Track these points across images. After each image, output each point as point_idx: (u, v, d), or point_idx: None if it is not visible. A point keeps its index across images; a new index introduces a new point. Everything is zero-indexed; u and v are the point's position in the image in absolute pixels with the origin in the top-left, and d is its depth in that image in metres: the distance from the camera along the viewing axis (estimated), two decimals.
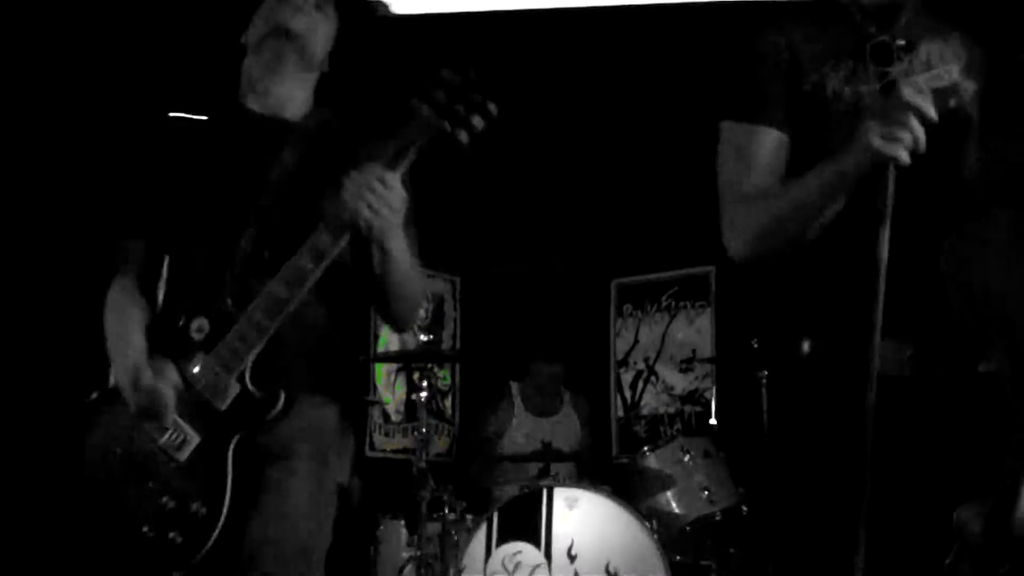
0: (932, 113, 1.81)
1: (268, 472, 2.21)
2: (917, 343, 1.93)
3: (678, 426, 6.12)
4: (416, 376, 5.85)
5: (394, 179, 2.14)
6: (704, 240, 2.10)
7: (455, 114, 2.13)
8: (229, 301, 2.24)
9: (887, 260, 1.82)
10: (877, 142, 1.81)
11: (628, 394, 6.39)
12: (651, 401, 6.31)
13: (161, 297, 2.40)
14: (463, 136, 2.14)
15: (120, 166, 2.46)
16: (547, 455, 4.98)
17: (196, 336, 2.25)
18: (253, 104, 2.40)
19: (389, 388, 6.17)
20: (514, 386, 5.62)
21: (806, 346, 2.03)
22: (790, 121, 2.03)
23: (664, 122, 5.16)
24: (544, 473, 4.82)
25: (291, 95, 2.40)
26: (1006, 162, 1.73)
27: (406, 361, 5.84)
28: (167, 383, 2.21)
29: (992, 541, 1.60)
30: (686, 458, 4.55)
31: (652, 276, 6.42)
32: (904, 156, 1.81)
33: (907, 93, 1.82)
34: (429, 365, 5.16)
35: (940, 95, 1.98)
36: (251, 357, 2.20)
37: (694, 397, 6.14)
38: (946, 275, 1.78)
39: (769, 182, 2.01)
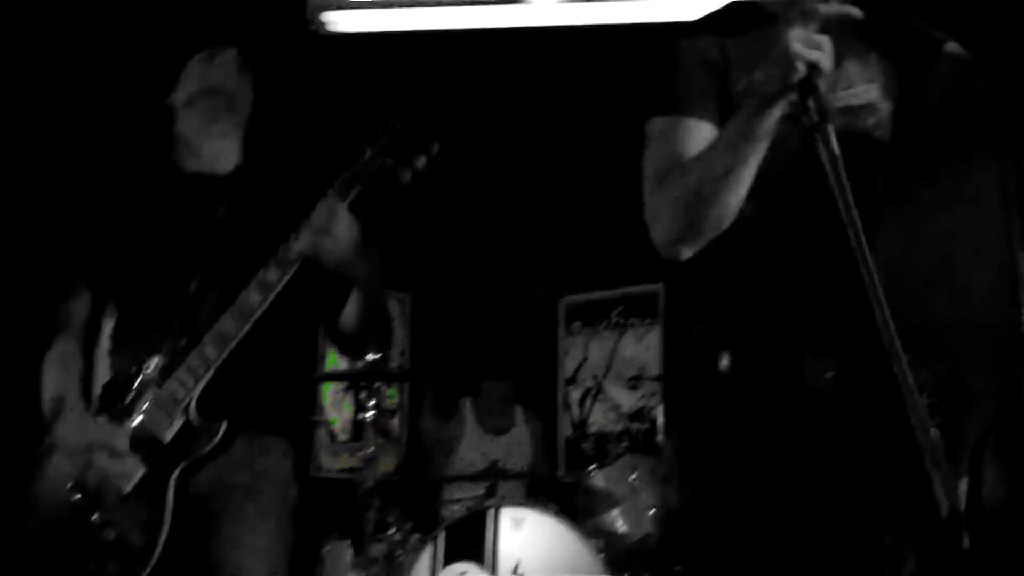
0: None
1: (221, 508, 2.38)
2: (840, 359, 1.92)
3: (626, 444, 6.11)
4: (363, 395, 5.80)
5: (343, 210, 2.35)
6: (653, 258, 2.06)
7: (399, 155, 2.40)
8: (182, 340, 2.40)
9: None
10: (797, 45, 1.77)
11: (576, 412, 6.38)
12: (599, 419, 6.30)
13: (109, 345, 2.55)
14: (406, 175, 2.40)
15: (68, 222, 2.65)
16: (494, 474, 4.95)
17: (150, 374, 2.41)
18: (188, 162, 2.58)
19: (336, 407, 6.12)
20: (466, 404, 5.59)
21: (725, 361, 2.01)
22: (721, 118, 1.99)
23: (617, 139, 5.16)
24: (491, 492, 4.79)
25: (224, 151, 2.58)
26: None
27: (353, 380, 5.80)
28: (102, 448, 2.36)
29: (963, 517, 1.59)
30: (633, 476, 4.54)
31: (601, 294, 6.42)
32: (826, 62, 1.77)
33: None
34: (376, 384, 5.13)
35: (860, 113, 2.00)
36: (197, 389, 2.35)
37: (642, 415, 6.14)
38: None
39: None
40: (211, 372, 2.35)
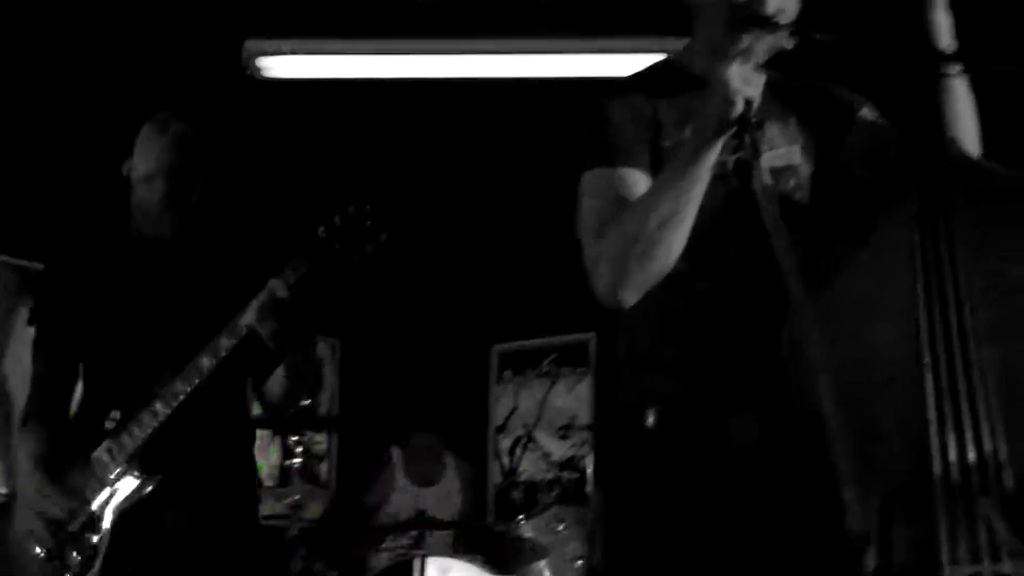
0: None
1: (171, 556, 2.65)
2: (765, 415, 1.93)
3: (556, 493, 6.10)
4: (290, 441, 5.74)
5: (286, 291, 2.53)
6: (585, 307, 2.06)
7: (349, 240, 2.59)
8: (140, 398, 2.65)
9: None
10: (736, 82, 1.81)
11: (506, 460, 6.36)
12: (529, 467, 6.29)
13: (80, 396, 2.85)
14: (354, 259, 2.61)
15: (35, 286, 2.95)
16: (422, 524, 4.92)
17: (108, 425, 2.68)
18: (145, 230, 2.78)
19: (263, 453, 6.04)
20: (396, 453, 5.56)
21: (651, 417, 2.01)
22: (653, 171, 2.00)
23: (550, 188, 5.19)
24: (418, 542, 4.76)
25: (179, 221, 2.77)
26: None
27: (282, 427, 5.74)
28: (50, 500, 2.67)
29: None
30: (560, 527, 4.53)
31: (533, 342, 6.43)
32: (758, 97, 1.82)
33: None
34: (303, 431, 5.10)
35: (782, 175, 2.04)
36: (142, 440, 2.63)
37: (572, 464, 6.14)
38: (785, 354, 1.81)
39: None
40: (157, 424, 2.62)
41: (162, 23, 4.20)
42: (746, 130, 1.79)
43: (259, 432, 5.85)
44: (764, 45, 1.89)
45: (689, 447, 1.97)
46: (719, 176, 2.00)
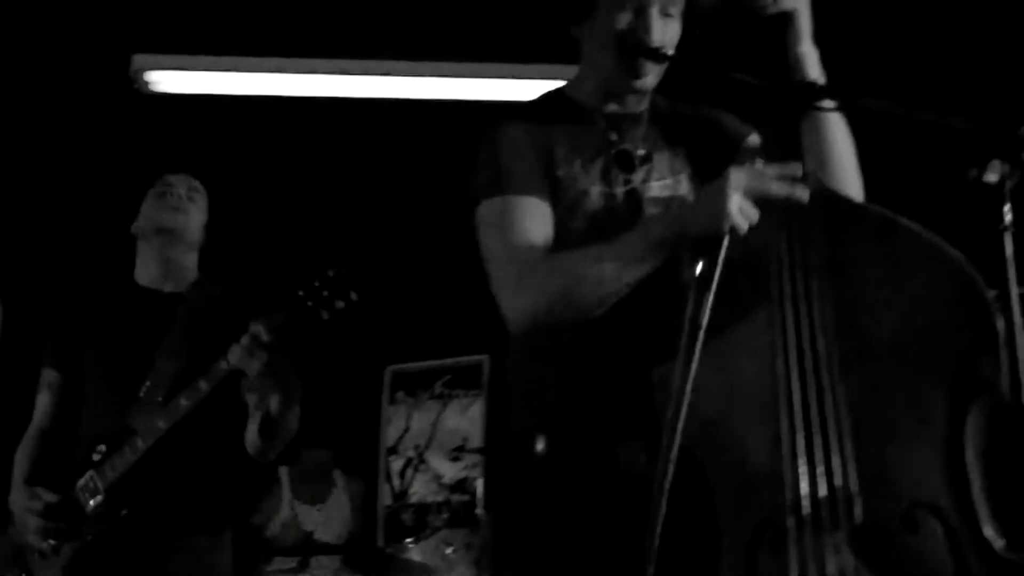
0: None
1: None
2: (651, 442, 1.95)
3: (446, 515, 6.07)
4: None
5: (268, 336, 2.77)
6: (479, 328, 2.07)
7: (322, 298, 2.91)
8: (127, 434, 2.89)
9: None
10: (735, 209, 1.80)
11: (397, 482, 6.31)
12: (420, 489, 6.24)
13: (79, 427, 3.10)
14: (325, 315, 2.94)
15: (46, 324, 3.19)
16: (309, 547, 4.85)
17: (95, 457, 2.92)
18: (146, 281, 3.10)
19: None
20: (283, 472, 5.48)
21: (541, 444, 2.01)
22: (549, 198, 2.03)
23: (440, 210, 5.19)
24: (304, 565, 4.70)
25: (178, 273, 3.11)
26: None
27: None
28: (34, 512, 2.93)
29: None
30: (449, 550, 4.52)
31: (426, 363, 6.39)
32: (745, 228, 1.82)
33: (775, 187, 1.83)
34: None
35: (669, 204, 2.06)
36: (121, 471, 2.86)
37: (463, 486, 6.12)
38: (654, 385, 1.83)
39: (547, 248, 1.99)
40: (135, 458, 2.86)
41: (48, 37, 4.12)
42: (716, 249, 1.79)
43: None
44: (783, 189, 1.86)
45: (577, 473, 1.98)
46: (608, 207, 2.02)
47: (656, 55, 1.97)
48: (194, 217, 3.12)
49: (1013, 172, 1.54)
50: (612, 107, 2.11)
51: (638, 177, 2.08)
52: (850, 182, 2.02)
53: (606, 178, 2.06)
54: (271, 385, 2.90)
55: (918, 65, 4.13)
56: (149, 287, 3.11)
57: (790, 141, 1.93)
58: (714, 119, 2.17)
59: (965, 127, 1.59)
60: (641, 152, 2.10)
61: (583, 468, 1.98)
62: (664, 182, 2.09)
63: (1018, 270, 1.56)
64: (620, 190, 2.06)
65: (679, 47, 2.05)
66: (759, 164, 1.87)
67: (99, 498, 2.89)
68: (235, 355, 2.78)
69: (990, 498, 1.76)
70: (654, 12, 1.99)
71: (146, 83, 4.01)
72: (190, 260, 3.14)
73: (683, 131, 2.15)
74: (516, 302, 1.97)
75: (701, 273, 1.75)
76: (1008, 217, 1.55)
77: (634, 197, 2.07)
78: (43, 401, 3.12)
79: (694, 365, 1.71)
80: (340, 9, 4.32)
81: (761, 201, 1.82)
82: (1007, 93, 4.08)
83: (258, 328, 2.78)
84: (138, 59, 3.97)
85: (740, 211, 1.80)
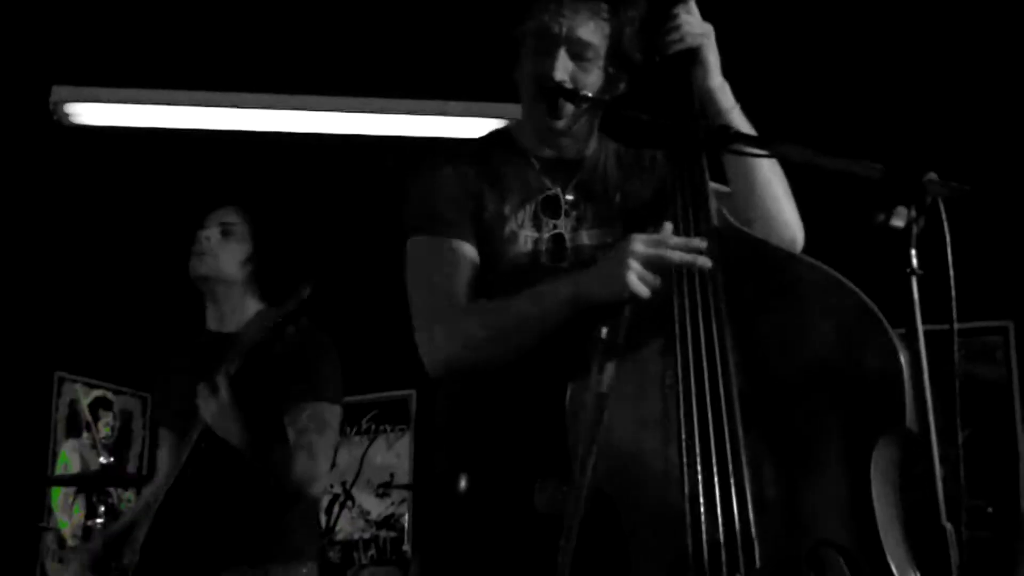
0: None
1: None
2: (568, 482, 1.95)
3: (372, 552, 6.02)
4: (95, 499, 5.53)
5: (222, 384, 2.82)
6: (406, 363, 2.07)
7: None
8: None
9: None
10: (634, 278, 1.83)
11: (323, 519, 6.25)
12: (346, 526, 6.19)
13: None
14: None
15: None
16: None
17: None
18: (214, 326, 3.13)
19: (66, 511, 5.80)
20: None
21: (463, 482, 2.01)
22: (476, 240, 2.05)
23: (368, 245, 5.18)
24: None
25: (231, 313, 3.10)
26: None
27: (86, 484, 5.54)
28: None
29: None
30: None
31: (352, 399, 6.33)
32: (647, 295, 1.83)
33: (676, 256, 1.86)
34: (109, 489, 4.92)
35: (599, 252, 2.07)
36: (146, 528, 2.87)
37: (390, 522, 6.07)
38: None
39: (467, 293, 2.02)
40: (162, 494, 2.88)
41: None
42: (620, 315, 1.81)
43: (64, 490, 5.69)
44: (685, 258, 1.88)
45: (496, 513, 1.98)
46: (534, 251, 2.04)
47: (562, 92, 1.99)
48: (224, 258, 3.11)
49: (919, 217, 1.56)
50: (547, 152, 2.12)
51: (566, 223, 2.10)
52: (775, 214, 2.04)
53: (536, 222, 2.08)
54: (230, 426, 2.83)
55: (825, 110, 4.22)
56: (216, 331, 3.12)
57: (696, 182, 1.95)
58: (651, 164, 2.19)
59: (872, 173, 1.62)
60: (570, 198, 2.11)
61: (501, 508, 1.97)
62: (595, 231, 2.10)
63: (924, 312, 1.58)
64: (547, 235, 2.08)
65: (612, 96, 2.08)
66: (665, 228, 1.89)
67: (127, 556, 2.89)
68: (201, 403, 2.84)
69: (898, 533, 1.78)
70: (561, 53, 2.01)
71: (66, 115, 3.95)
72: (242, 296, 3.12)
73: (623, 178, 2.17)
74: (431, 347, 2.00)
75: (606, 338, 1.77)
76: (915, 261, 1.58)
77: (559, 243, 2.08)
78: (161, 457, 3.18)
79: (600, 430, 1.72)
80: (266, 43, 4.32)
81: (662, 268, 1.85)
82: (912, 139, 4.18)
83: (218, 378, 2.83)
84: (57, 91, 3.93)
85: (640, 279, 1.83)
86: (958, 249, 1.60)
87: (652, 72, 2.05)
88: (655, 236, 1.88)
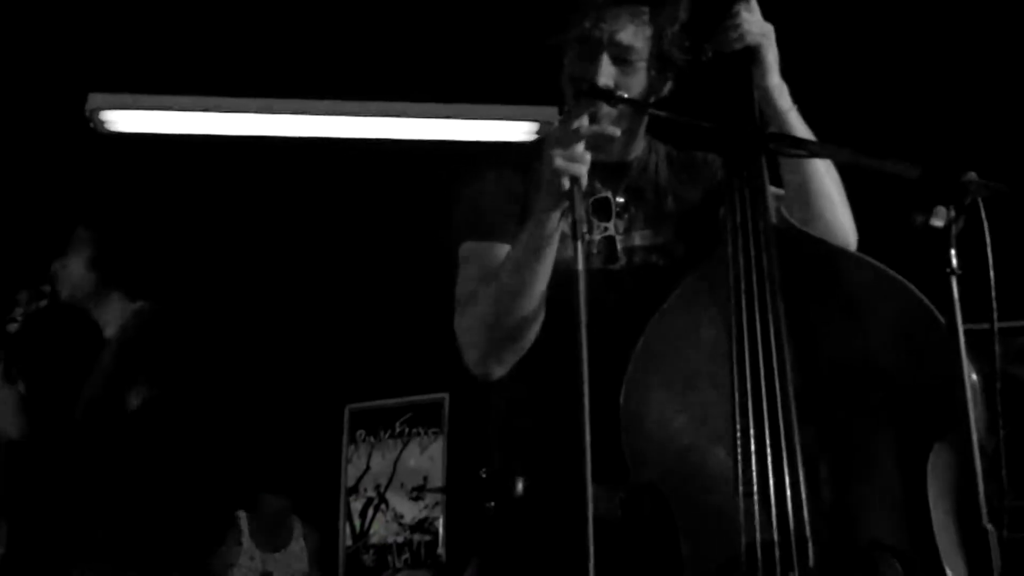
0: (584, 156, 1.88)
1: None
2: (627, 488, 1.95)
3: (406, 556, 6.02)
4: None
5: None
6: (439, 366, 2.08)
7: None
8: None
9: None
10: (560, 162, 1.85)
11: (357, 522, 6.26)
12: (380, 530, 6.20)
13: None
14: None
15: None
16: None
17: None
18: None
19: None
20: (242, 517, 5.43)
21: (520, 486, 2.02)
22: None
23: (400, 247, 5.20)
24: None
25: (105, 322, 3.44)
26: None
27: None
28: None
29: None
30: None
31: (386, 402, 6.36)
32: (584, 174, 1.85)
33: (583, 128, 1.89)
34: None
35: (651, 252, 2.08)
36: None
37: (424, 526, 6.08)
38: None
39: None
40: None
41: (2, 75, 4.10)
42: (573, 207, 1.82)
43: None
44: (591, 128, 1.92)
45: (552, 517, 1.97)
46: (584, 254, 2.04)
47: (599, 93, 1.99)
48: (63, 274, 3.46)
49: (958, 217, 1.56)
50: (597, 155, 2.13)
51: (617, 225, 2.11)
52: (830, 217, 2.04)
53: (587, 224, 2.09)
54: None
55: (864, 110, 4.20)
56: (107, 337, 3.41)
57: (755, 182, 1.95)
58: (703, 165, 2.19)
59: (911, 173, 1.61)
60: (621, 200, 2.12)
61: (557, 512, 1.97)
62: (646, 231, 2.11)
63: (964, 311, 1.57)
64: (597, 237, 2.09)
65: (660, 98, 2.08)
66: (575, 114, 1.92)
67: None
68: None
69: (952, 536, 1.77)
70: (603, 58, 2.02)
71: (102, 122, 3.99)
72: (102, 306, 3.45)
73: (675, 180, 2.18)
74: (462, 349, 2.02)
75: (571, 225, 1.80)
76: (954, 261, 1.57)
77: (610, 244, 2.09)
78: None
79: (580, 268, 1.73)
80: (304, 48, 4.34)
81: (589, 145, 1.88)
82: (951, 139, 4.15)
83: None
84: (94, 98, 3.96)
85: (568, 160, 1.85)
86: (997, 249, 1.60)
87: (710, 70, 2.05)
88: (560, 122, 1.92)
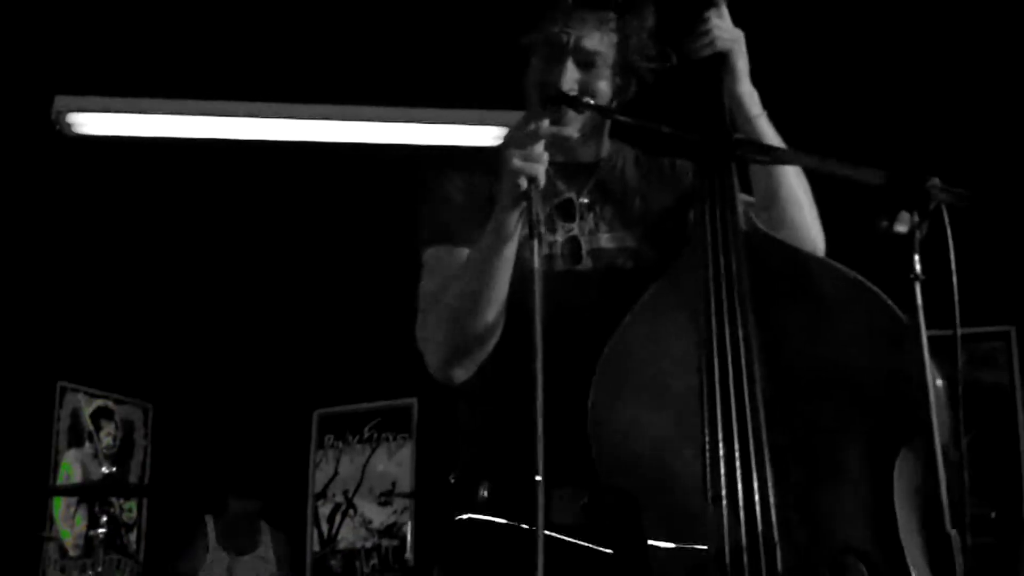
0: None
1: None
2: (591, 492, 1.95)
3: (374, 561, 6.01)
4: (96, 510, 5.54)
5: None
6: (408, 372, 2.08)
7: None
8: None
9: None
10: (517, 162, 1.85)
11: (325, 528, 6.24)
12: (348, 535, 6.18)
13: None
14: None
15: None
16: None
17: None
18: None
19: (68, 521, 5.79)
20: (209, 521, 5.39)
21: (484, 491, 2.01)
22: None
23: (369, 252, 5.19)
24: None
25: None
26: None
27: (88, 494, 5.53)
28: None
29: None
30: None
31: (355, 406, 6.34)
32: (542, 174, 1.86)
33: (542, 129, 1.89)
34: (111, 499, 4.92)
35: (619, 256, 2.08)
36: None
37: (392, 531, 6.07)
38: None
39: None
40: None
41: None
42: (529, 207, 1.83)
43: (66, 500, 5.69)
44: (549, 129, 1.92)
45: (516, 522, 1.97)
46: (548, 255, 2.04)
47: (564, 98, 1.99)
48: None
49: (922, 223, 1.57)
50: (561, 157, 2.11)
51: (582, 226, 2.10)
52: (799, 222, 2.04)
53: (549, 226, 2.08)
54: None
55: (829, 116, 4.22)
56: None
57: (725, 188, 1.96)
58: (672, 170, 2.19)
59: (875, 179, 1.62)
60: (585, 201, 2.12)
61: (521, 516, 1.96)
62: (614, 233, 2.11)
63: (927, 317, 1.58)
64: (560, 238, 2.08)
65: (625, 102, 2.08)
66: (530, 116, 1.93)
67: None
68: None
69: (918, 541, 1.77)
70: (568, 62, 2.02)
71: (68, 125, 3.96)
72: None
73: (643, 183, 2.17)
74: (427, 355, 2.01)
75: (528, 225, 1.80)
76: (918, 267, 1.58)
77: (574, 245, 2.09)
78: None
79: (536, 266, 1.74)
80: (272, 51, 4.32)
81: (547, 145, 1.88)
82: (915, 145, 4.18)
83: None
84: (60, 101, 3.93)
85: (525, 160, 1.85)
86: (961, 254, 1.61)
87: (680, 76, 2.06)
88: (518, 122, 1.93)
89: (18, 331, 5.33)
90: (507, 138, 1.90)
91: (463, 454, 2.11)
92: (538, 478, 1.64)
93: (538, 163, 1.86)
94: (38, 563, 5.62)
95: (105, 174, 4.76)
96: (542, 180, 1.86)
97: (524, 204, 1.86)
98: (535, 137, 1.87)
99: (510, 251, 1.93)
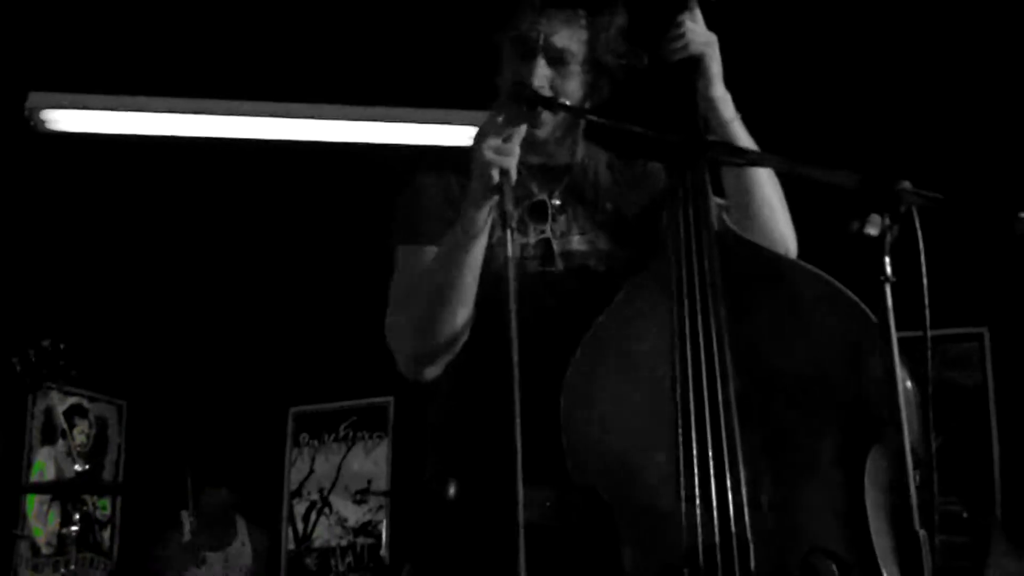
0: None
1: None
2: (559, 490, 1.95)
3: (350, 559, 6.01)
4: (69, 507, 5.53)
5: None
6: (384, 370, 2.08)
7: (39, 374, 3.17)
8: None
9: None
10: (489, 154, 1.86)
11: (300, 526, 6.24)
12: (323, 533, 6.17)
13: None
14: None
15: None
16: None
17: None
18: None
19: (41, 519, 5.77)
20: (184, 516, 5.38)
21: (452, 489, 2.01)
22: None
23: (345, 251, 5.18)
24: None
25: None
26: None
27: (61, 491, 5.52)
28: None
29: None
30: None
31: (331, 405, 6.33)
32: (514, 167, 1.86)
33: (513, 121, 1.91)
34: (84, 496, 4.91)
35: (590, 258, 2.08)
36: None
37: (367, 529, 6.06)
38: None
39: None
40: None
41: None
42: (502, 199, 1.84)
43: (39, 497, 5.66)
44: (520, 124, 1.93)
45: (485, 521, 1.96)
46: (521, 256, 2.04)
47: (539, 99, 1.99)
48: None
49: (892, 226, 1.57)
50: (533, 158, 2.12)
51: (554, 228, 2.11)
52: (772, 225, 2.05)
53: (521, 228, 2.09)
54: None
55: (799, 119, 4.24)
56: None
57: (698, 190, 1.97)
58: (645, 173, 2.20)
59: (846, 181, 1.63)
60: (557, 203, 2.12)
61: (490, 515, 1.97)
62: (586, 236, 2.11)
63: (899, 319, 1.59)
64: (533, 240, 2.09)
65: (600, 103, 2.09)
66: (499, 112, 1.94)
67: None
68: None
69: (889, 540, 1.78)
70: (539, 60, 2.03)
71: (42, 121, 3.94)
72: None
73: (615, 186, 2.18)
74: (396, 353, 2.02)
75: (500, 216, 1.81)
76: (888, 269, 1.59)
77: (547, 247, 2.09)
78: None
79: (509, 254, 1.74)
80: (248, 49, 4.31)
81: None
82: (886, 148, 4.21)
83: None
84: (34, 97, 3.91)
85: (496, 154, 1.87)
86: (936, 257, 1.62)
87: (654, 79, 2.06)
88: (488, 116, 1.94)
89: None
90: (479, 131, 1.91)
91: (432, 453, 2.11)
92: (518, 474, 1.64)
93: (510, 156, 1.87)
94: (10, 561, 5.60)
95: (78, 171, 4.74)
96: (514, 173, 1.87)
97: (495, 199, 1.86)
98: (506, 129, 1.88)
99: (479, 245, 1.94)
